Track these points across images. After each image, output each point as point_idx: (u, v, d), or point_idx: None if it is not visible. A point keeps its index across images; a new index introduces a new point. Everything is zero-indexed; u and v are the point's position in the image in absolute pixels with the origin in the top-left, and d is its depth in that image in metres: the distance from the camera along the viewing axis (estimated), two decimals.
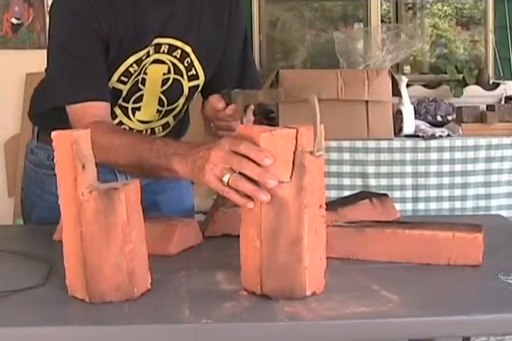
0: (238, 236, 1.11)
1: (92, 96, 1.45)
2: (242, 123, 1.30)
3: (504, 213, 3.02)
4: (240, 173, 1.07)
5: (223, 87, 1.62)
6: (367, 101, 3.26)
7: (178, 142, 1.30)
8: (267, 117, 3.54)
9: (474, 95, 3.77)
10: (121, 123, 1.60)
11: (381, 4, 4.18)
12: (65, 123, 1.45)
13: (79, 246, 1.07)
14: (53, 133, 1.08)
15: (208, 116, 1.53)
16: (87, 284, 1.07)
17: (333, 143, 3.12)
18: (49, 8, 1.52)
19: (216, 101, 1.43)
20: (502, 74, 3.95)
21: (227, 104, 1.41)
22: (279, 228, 1.06)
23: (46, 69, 1.56)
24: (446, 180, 3.21)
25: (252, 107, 1.31)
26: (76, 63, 1.46)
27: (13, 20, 3.88)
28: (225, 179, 1.08)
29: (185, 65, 1.58)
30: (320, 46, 4.47)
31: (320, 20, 4.56)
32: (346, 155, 3.17)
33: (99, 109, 1.45)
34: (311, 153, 1.05)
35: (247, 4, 3.96)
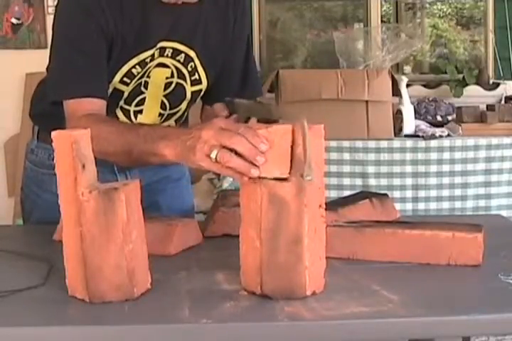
0: (238, 236, 1.11)
1: (87, 93, 1.45)
2: None
3: (504, 213, 3.02)
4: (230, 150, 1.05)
5: (224, 93, 1.63)
6: (367, 101, 3.26)
7: (165, 127, 1.29)
8: None
9: (474, 95, 3.77)
10: None
11: (381, 4, 4.17)
12: (65, 123, 1.45)
13: (79, 246, 1.07)
14: (53, 133, 1.08)
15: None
16: (87, 284, 1.07)
17: (333, 143, 3.12)
18: (56, 4, 1.52)
19: (220, 109, 1.46)
20: (502, 74, 3.95)
21: (230, 114, 1.42)
22: (279, 228, 1.06)
23: (48, 64, 1.55)
24: (446, 180, 3.21)
25: (254, 118, 1.31)
26: (77, 59, 1.46)
27: (13, 20, 3.88)
28: (213, 155, 1.06)
29: (189, 69, 1.58)
30: (320, 46, 4.46)
31: (320, 20, 4.56)
32: (346, 155, 3.17)
33: (93, 104, 1.45)
34: (301, 176, 1.05)
35: (247, 4, 3.95)
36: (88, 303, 1.08)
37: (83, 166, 1.06)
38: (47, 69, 1.57)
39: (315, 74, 3.41)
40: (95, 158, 1.10)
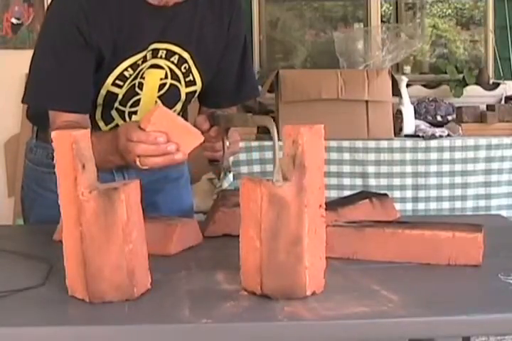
0: (238, 236, 1.11)
1: (68, 108, 1.49)
2: (223, 145, 1.43)
3: (504, 213, 3.02)
4: None
5: (221, 94, 1.63)
6: (367, 101, 3.26)
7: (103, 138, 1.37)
8: None
9: (474, 95, 3.77)
10: (117, 126, 1.60)
11: (381, 4, 4.17)
12: None
13: (79, 246, 1.07)
14: (53, 133, 1.08)
15: None
16: (87, 284, 1.07)
17: (333, 143, 3.12)
18: (46, 8, 1.53)
19: (202, 122, 1.46)
20: (502, 74, 3.95)
21: (212, 126, 1.45)
22: (279, 228, 1.06)
23: (29, 68, 1.56)
24: (446, 180, 3.21)
25: (233, 128, 1.42)
26: (61, 71, 1.48)
27: (13, 20, 3.87)
28: (138, 163, 1.24)
29: (183, 70, 1.58)
30: (320, 46, 4.46)
31: (320, 20, 4.56)
32: (346, 155, 3.17)
33: (73, 117, 1.48)
34: (272, 182, 1.06)
35: (247, 4, 3.96)
36: (88, 303, 1.08)
37: (83, 166, 1.06)
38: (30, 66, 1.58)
39: (315, 74, 3.40)
40: None
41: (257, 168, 3.12)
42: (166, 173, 1.74)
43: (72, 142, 1.06)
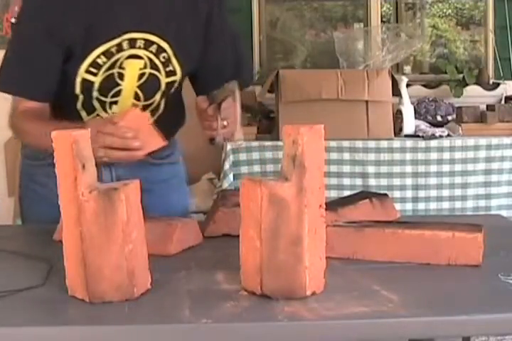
0: (238, 236, 1.11)
1: (26, 95, 1.55)
2: (217, 121, 1.50)
3: (504, 213, 3.02)
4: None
5: (218, 83, 1.64)
6: (367, 101, 3.26)
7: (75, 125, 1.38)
8: (267, 117, 3.54)
9: (474, 95, 3.77)
10: (98, 117, 1.62)
11: (381, 4, 4.17)
12: (54, 116, 1.53)
13: (79, 246, 1.07)
14: (53, 134, 1.09)
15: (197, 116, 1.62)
16: (87, 284, 1.07)
17: (333, 143, 3.13)
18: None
19: (201, 101, 1.54)
20: (502, 74, 3.95)
21: (210, 104, 1.52)
22: (279, 228, 1.06)
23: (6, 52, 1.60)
24: (446, 180, 3.21)
25: (238, 96, 1.52)
26: (25, 59, 1.53)
27: (13, 20, 3.87)
28: (99, 154, 1.27)
29: (162, 60, 1.60)
30: (320, 46, 4.46)
31: (320, 20, 4.56)
32: (346, 155, 3.17)
33: (33, 104, 1.54)
34: (233, 137, 1.19)
35: (247, 4, 3.96)
36: (88, 303, 1.08)
37: (83, 166, 1.06)
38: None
39: (315, 74, 3.40)
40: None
41: (257, 168, 3.13)
42: (155, 172, 1.74)
43: (72, 142, 1.06)
